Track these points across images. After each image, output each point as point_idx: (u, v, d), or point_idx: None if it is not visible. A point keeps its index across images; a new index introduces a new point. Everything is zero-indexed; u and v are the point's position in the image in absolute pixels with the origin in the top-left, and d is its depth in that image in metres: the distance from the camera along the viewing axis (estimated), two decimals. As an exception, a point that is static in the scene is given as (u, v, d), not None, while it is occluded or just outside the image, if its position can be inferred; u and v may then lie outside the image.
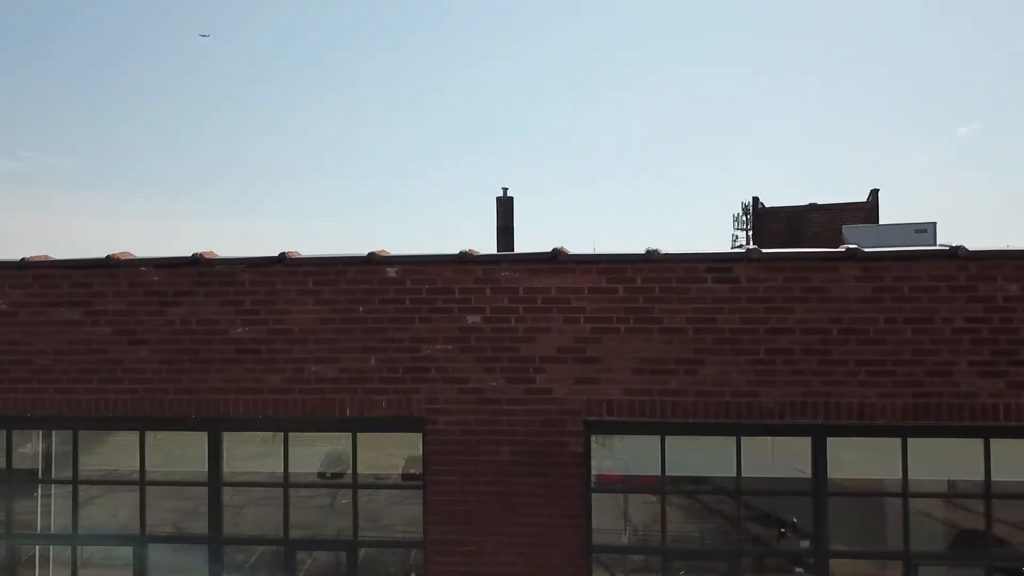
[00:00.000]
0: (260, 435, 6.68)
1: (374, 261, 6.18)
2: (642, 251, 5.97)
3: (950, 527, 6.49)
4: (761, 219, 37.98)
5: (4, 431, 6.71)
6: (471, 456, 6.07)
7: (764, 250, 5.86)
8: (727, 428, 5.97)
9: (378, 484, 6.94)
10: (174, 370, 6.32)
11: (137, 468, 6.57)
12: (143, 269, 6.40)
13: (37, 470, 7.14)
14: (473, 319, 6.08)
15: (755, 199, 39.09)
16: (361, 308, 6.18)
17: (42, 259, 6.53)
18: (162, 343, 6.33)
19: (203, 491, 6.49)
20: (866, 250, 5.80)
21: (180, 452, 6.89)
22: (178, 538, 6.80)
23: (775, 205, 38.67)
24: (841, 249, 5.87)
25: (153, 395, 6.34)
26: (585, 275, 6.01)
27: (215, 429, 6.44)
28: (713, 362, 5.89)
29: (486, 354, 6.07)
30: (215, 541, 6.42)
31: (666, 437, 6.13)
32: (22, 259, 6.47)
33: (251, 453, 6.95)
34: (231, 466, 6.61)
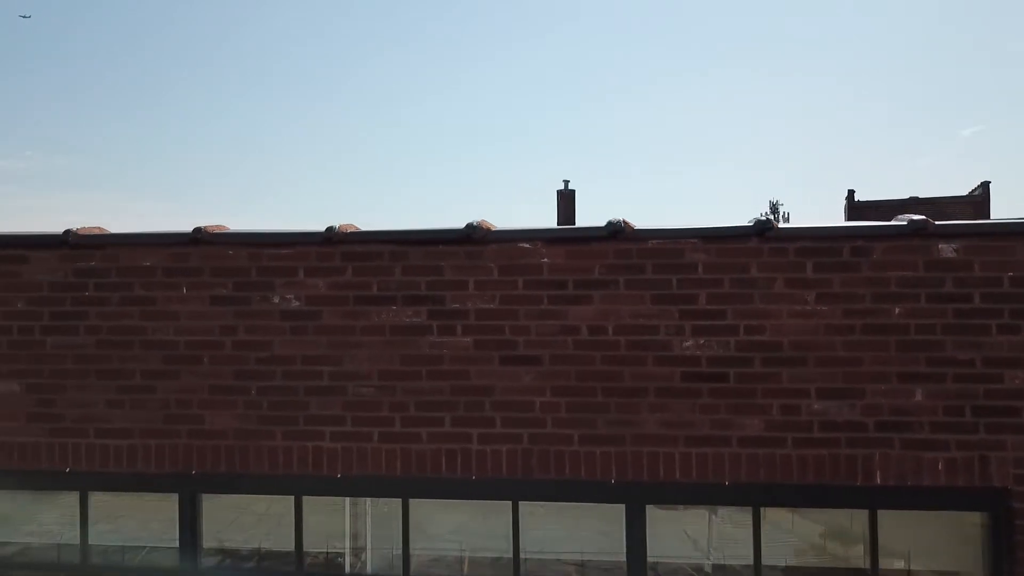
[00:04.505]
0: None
1: (924, 233, 3.81)
2: None
3: None
4: (860, 213, 35.54)
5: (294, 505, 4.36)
6: (1096, 553, 3.70)
7: None
8: None
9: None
10: (579, 405, 3.98)
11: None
12: (524, 246, 4.05)
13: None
14: (1093, 328, 3.71)
15: (851, 192, 36.73)
16: (898, 309, 3.82)
17: (355, 231, 4.21)
18: (558, 362, 3.99)
19: None
20: None
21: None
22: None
23: (869, 199, 36.26)
24: None
25: (543, 445, 4.00)
26: None
27: (638, 502, 4.08)
28: None
29: (1118, 386, 3.70)
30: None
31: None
32: (328, 229, 4.14)
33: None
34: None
